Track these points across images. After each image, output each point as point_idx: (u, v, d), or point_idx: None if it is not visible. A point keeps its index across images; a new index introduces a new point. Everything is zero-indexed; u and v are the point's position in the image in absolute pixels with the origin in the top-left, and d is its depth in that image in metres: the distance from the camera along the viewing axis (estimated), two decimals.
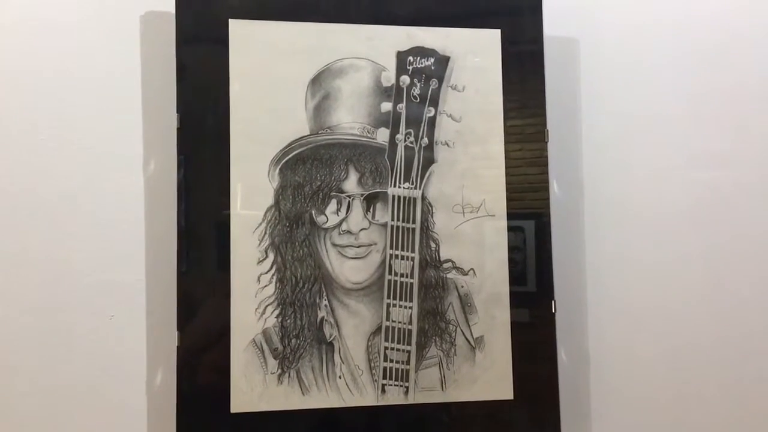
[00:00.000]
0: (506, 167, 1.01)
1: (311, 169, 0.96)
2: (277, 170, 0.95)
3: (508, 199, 1.00)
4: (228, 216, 0.94)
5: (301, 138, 0.96)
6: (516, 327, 0.99)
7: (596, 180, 1.09)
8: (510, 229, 1.00)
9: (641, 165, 1.10)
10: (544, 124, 1.02)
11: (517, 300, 1.00)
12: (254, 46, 0.96)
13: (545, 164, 1.01)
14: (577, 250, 1.08)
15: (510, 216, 1.00)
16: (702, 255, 1.10)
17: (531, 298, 1.01)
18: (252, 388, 0.93)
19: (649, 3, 1.12)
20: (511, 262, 1.00)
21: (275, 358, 0.94)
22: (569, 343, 1.06)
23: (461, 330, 0.99)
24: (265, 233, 0.95)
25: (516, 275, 1.00)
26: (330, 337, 0.95)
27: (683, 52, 1.12)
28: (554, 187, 1.06)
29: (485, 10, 1.03)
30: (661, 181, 1.10)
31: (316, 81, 0.97)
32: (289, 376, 0.94)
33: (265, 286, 0.94)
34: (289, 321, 0.94)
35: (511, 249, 1.00)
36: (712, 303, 1.10)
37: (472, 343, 0.99)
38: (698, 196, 1.10)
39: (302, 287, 0.95)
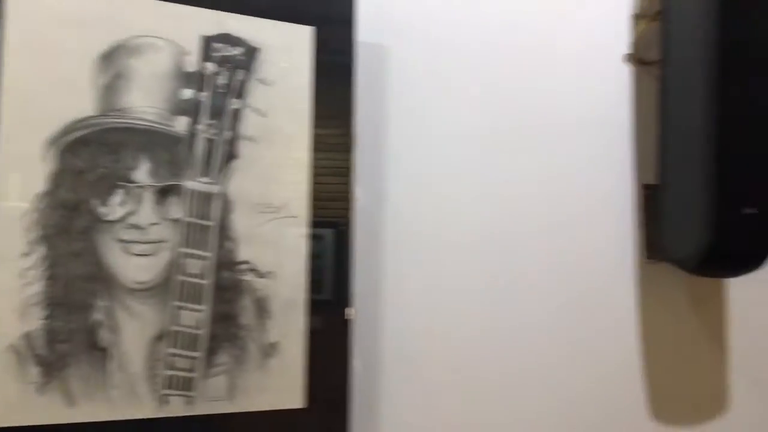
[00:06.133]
0: (312, 171, 0.98)
1: (95, 154, 0.86)
2: (54, 153, 0.84)
3: (312, 205, 0.97)
4: None
5: (85, 119, 0.86)
6: (312, 334, 0.96)
7: (399, 191, 1.09)
8: (312, 234, 0.97)
9: (442, 179, 1.12)
10: (352, 130, 1.00)
11: (314, 307, 0.97)
12: (34, 14, 0.84)
13: (351, 172, 1.00)
14: (378, 259, 1.07)
15: (313, 221, 0.97)
16: (497, 271, 1.14)
17: (329, 305, 0.98)
18: (5, 399, 0.81)
19: (462, 21, 1.15)
20: (311, 267, 0.97)
21: (38, 366, 0.82)
22: (365, 351, 1.05)
23: (255, 335, 0.93)
24: (34, 223, 0.83)
25: (315, 281, 0.97)
26: (105, 342, 0.86)
27: (492, 71, 1.16)
28: (358, 196, 1.04)
29: (301, 5, 0.99)
30: (461, 196, 1.13)
31: (108, 57, 0.88)
32: (53, 386, 0.83)
33: (30, 283, 0.82)
34: (57, 324, 0.83)
35: (312, 255, 0.97)
36: (507, 317, 1.14)
37: (266, 350, 0.94)
38: (497, 213, 1.15)
39: (76, 286, 0.85)
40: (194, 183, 0.91)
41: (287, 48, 0.97)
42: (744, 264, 1.16)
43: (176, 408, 0.89)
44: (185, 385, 0.89)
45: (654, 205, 1.20)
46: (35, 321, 0.82)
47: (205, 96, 0.92)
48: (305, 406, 0.95)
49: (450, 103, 1.13)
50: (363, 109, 1.05)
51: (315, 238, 0.97)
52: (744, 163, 1.11)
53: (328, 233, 0.99)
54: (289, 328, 0.95)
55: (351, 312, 0.99)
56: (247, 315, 0.93)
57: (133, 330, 0.87)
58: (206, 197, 0.92)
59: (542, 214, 1.17)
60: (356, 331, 1.01)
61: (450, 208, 1.12)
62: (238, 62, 0.95)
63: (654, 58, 1.20)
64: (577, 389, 1.18)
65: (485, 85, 1.15)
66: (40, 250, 0.83)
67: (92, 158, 0.86)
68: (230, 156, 0.93)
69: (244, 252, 0.93)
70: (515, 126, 1.17)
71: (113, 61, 0.88)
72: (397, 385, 1.07)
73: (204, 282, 0.91)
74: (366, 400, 1.05)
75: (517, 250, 1.16)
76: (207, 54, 0.93)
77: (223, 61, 0.94)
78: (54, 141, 0.84)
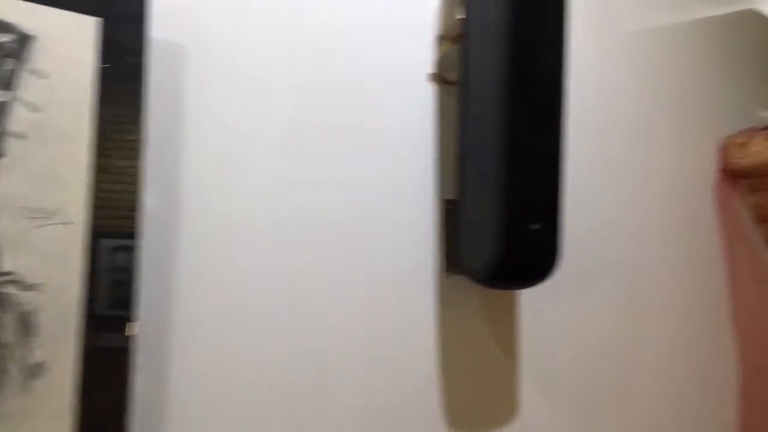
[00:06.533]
0: (93, 174, 0.90)
1: None
2: None
3: (93, 211, 0.89)
4: None
5: None
6: (88, 352, 0.88)
7: (196, 197, 1.03)
8: (91, 243, 0.89)
9: (243, 186, 1.08)
10: (142, 131, 0.94)
11: (92, 322, 0.88)
12: None
13: (139, 177, 0.93)
14: (170, 270, 1.01)
15: (93, 229, 0.89)
16: (298, 282, 1.12)
17: (109, 320, 0.91)
18: None
19: (268, 26, 1.12)
20: (90, 279, 0.89)
21: None
22: (151, 370, 0.98)
23: (17, 355, 0.84)
24: None
25: (94, 294, 0.89)
26: None
27: (297, 77, 1.14)
28: (148, 202, 0.97)
29: None
30: (261, 204, 1.09)
31: None
32: None
33: None
34: None
35: (91, 265, 0.89)
36: (307, 328, 1.12)
37: (30, 371, 0.84)
38: (298, 221, 1.12)
39: None
40: None
41: (68, 39, 0.89)
42: (531, 277, 1.24)
43: None
44: None
45: (453, 219, 1.25)
46: None
47: None
48: None
49: (252, 107, 1.09)
50: (157, 109, 0.98)
51: (95, 247, 0.90)
52: (531, 182, 1.18)
53: (110, 242, 0.91)
54: (60, 346, 0.86)
55: (134, 327, 0.92)
56: (7, 332, 0.83)
57: None
58: None
59: (344, 224, 1.17)
60: (141, 348, 0.94)
61: (250, 216, 1.08)
62: (7, 50, 0.85)
63: (455, 78, 1.25)
64: (377, 399, 1.19)
65: (290, 90, 1.13)
66: None
67: None
68: None
69: (7, 261, 0.84)
70: (319, 134, 1.16)
71: None
72: (186, 407, 1.00)
73: None
74: (149, 425, 0.97)
75: (318, 261, 1.14)
76: None
77: None
78: None
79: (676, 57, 1.67)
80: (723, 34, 1.79)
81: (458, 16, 1.25)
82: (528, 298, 1.37)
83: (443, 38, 1.28)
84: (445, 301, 1.27)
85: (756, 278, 1.73)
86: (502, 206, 1.15)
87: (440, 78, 1.27)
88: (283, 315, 1.10)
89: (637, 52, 1.59)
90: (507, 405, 1.35)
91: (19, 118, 0.85)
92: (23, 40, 0.86)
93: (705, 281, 1.69)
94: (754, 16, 1.90)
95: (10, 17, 0.85)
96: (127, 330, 0.91)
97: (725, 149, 1.72)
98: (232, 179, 1.07)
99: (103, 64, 0.91)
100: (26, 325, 0.84)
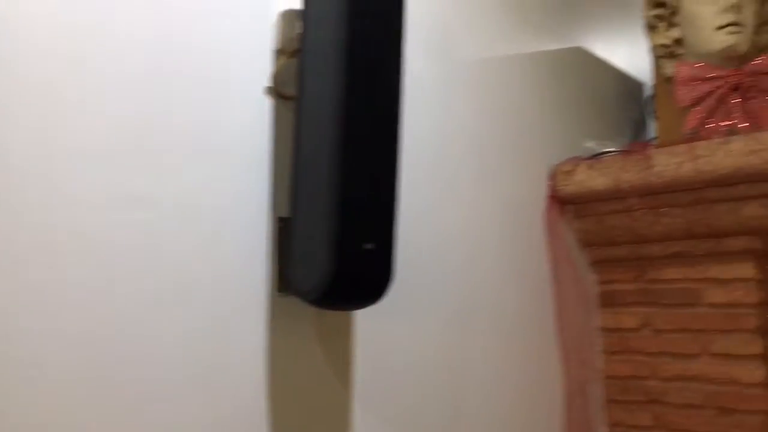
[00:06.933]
0: None
1: None
2: None
3: None
4: None
5: None
6: None
7: None
8: None
9: (40, 195, 0.98)
10: None
11: None
12: None
13: None
14: None
15: None
16: (106, 297, 1.03)
17: None
18: None
19: (88, 30, 1.04)
20: None
21: None
22: None
23: None
24: None
25: None
26: None
27: (110, 80, 1.06)
28: None
29: None
30: (67, 214, 1.00)
31: None
32: None
33: None
34: None
35: None
36: (121, 346, 1.03)
37: None
38: (105, 233, 1.04)
39: None
40: None
41: None
42: (364, 297, 1.22)
43: None
44: None
45: (286, 238, 1.21)
46: None
47: None
48: None
49: (57, 109, 1.00)
50: None
51: None
52: (364, 201, 1.17)
53: None
54: None
55: None
56: None
57: None
58: None
59: (167, 240, 1.10)
60: None
61: (49, 232, 0.98)
62: None
63: (291, 93, 1.22)
64: (200, 424, 1.11)
65: (107, 94, 1.05)
66: None
67: None
68: None
69: None
70: (141, 144, 1.08)
71: None
72: None
73: None
74: None
75: (136, 279, 1.06)
76: None
77: None
78: None
79: (510, 87, 1.75)
80: (554, 69, 1.91)
81: (297, 31, 1.22)
82: (363, 318, 1.35)
83: (281, 52, 1.25)
84: (277, 321, 1.23)
85: (580, 300, 1.84)
86: (334, 225, 1.13)
87: (277, 92, 1.24)
88: (91, 338, 1.01)
89: (473, 80, 1.64)
90: (339, 429, 1.32)
91: None
92: None
93: (534, 303, 1.77)
94: (582, 53, 2.05)
95: None
96: None
97: (553, 176, 1.82)
98: (25, 191, 0.97)
99: None
100: None
